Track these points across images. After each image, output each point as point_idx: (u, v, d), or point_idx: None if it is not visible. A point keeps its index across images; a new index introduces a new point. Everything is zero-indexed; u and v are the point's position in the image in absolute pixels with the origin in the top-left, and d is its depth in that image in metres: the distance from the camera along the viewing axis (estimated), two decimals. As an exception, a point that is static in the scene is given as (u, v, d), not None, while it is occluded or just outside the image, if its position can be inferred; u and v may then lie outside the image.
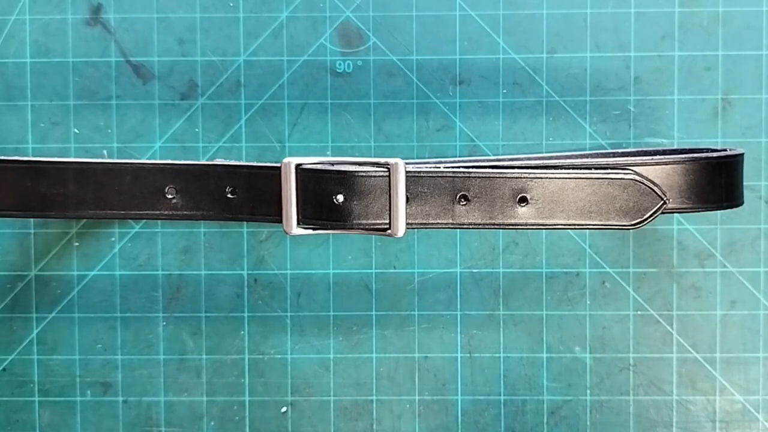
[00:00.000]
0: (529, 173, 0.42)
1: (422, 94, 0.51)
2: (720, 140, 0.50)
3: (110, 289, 0.51)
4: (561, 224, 0.42)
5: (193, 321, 0.51)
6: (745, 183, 0.46)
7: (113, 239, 0.51)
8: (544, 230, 0.50)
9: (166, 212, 0.44)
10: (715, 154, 0.44)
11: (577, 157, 0.49)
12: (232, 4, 0.51)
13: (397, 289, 0.51)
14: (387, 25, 0.51)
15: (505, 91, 0.51)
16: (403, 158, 0.43)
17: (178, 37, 0.51)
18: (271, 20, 0.51)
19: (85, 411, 0.52)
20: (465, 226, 0.42)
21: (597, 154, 0.49)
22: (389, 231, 0.42)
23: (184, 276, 0.51)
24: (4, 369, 0.52)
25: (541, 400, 0.51)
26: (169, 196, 0.44)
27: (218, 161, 0.48)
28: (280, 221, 0.42)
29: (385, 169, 0.41)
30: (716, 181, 0.43)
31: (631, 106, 0.50)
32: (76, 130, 0.51)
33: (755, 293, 0.51)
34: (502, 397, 0.51)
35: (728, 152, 0.44)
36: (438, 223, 0.42)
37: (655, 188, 0.42)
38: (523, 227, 0.42)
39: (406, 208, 0.42)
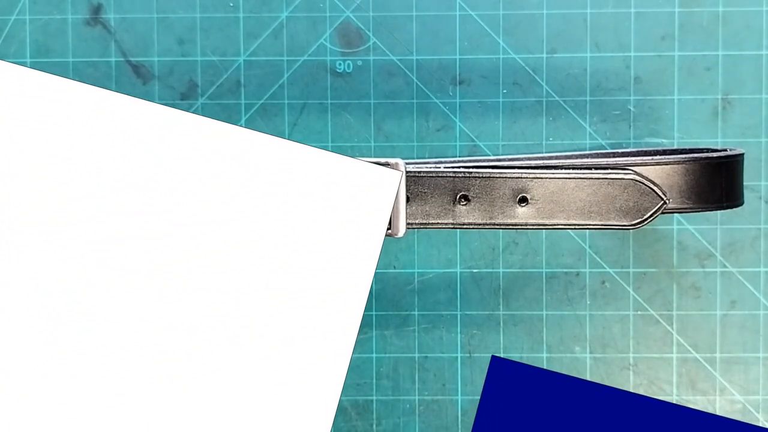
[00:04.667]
0: (529, 173, 0.42)
1: (422, 94, 0.51)
2: (720, 140, 0.50)
3: (110, 289, 0.51)
4: (561, 224, 0.42)
5: (193, 321, 0.51)
6: (745, 183, 0.46)
7: (113, 239, 0.51)
8: (544, 230, 0.50)
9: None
10: (715, 154, 0.44)
11: (577, 157, 0.49)
12: (232, 4, 0.51)
13: (397, 289, 0.51)
14: (387, 25, 0.51)
15: (505, 91, 0.51)
16: (403, 158, 0.43)
17: (178, 37, 0.51)
18: (271, 20, 0.51)
19: (85, 411, 0.52)
20: (465, 226, 0.42)
21: (597, 154, 0.49)
22: (389, 231, 0.42)
23: (184, 276, 0.51)
24: (4, 369, 0.52)
25: (541, 400, 0.51)
26: (169, 196, 0.44)
27: (218, 161, 0.48)
28: (280, 221, 0.42)
29: (385, 169, 0.41)
30: (716, 181, 0.43)
31: (631, 106, 0.50)
32: (76, 130, 0.51)
33: (755, 293, 0.51)
34: (502, 397, 0.51)
35: (728, 152, 0.44)
36: (438, 223, 0.42)
37: (655, 188, 0.42)
38: (523, 227, 0.42)
39: (406, 208, 0.42)
